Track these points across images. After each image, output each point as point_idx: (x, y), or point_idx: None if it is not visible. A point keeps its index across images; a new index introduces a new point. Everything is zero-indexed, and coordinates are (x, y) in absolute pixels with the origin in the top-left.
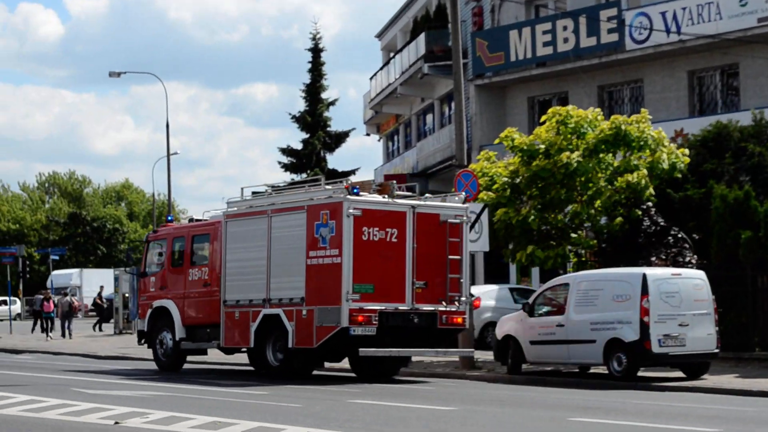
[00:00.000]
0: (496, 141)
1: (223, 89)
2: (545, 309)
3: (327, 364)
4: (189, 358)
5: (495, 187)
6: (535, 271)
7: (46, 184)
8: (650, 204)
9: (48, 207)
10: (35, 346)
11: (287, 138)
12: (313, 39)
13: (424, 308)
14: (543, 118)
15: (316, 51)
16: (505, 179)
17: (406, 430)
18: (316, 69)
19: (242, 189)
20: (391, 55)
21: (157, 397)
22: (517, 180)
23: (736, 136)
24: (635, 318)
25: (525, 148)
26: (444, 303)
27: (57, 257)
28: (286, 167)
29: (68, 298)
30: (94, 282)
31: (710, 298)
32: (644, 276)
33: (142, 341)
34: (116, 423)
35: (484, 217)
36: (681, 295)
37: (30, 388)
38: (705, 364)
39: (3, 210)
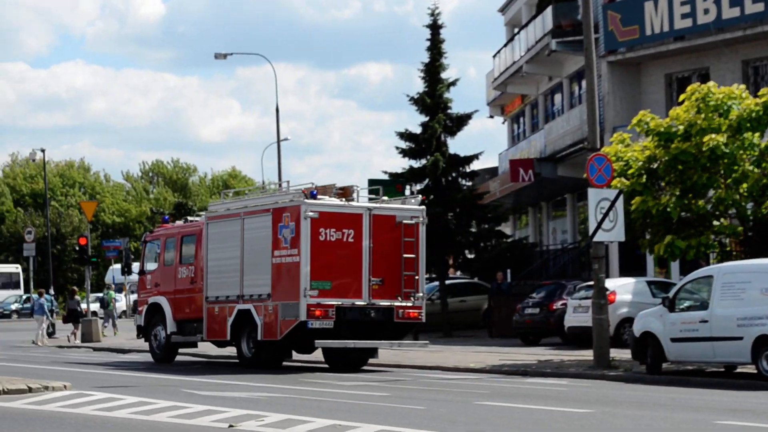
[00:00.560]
0: (630, 125)
1: (335, 70)
2: (687, 303)
3: (305, 357)
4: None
5: (630, 172)
6: (675, 263)
7: (150, 173)
8: None
9: (152, 197)
10: (141, 345)
11: (403, 121)
12: (432, 14)
13: (381, 303)
14: (682, 97)
15: (435, 27)
16: (641, 164)
17: None
18: (436, 47)
19: (222, 193)
20: (516, 30)
21: (272, 398)
22: (654, 165)
23: None
24: None
25: (662, 130)
26: (400, 298)
27: None
28: (405, 152)
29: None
30: None
31: None
32: None
33: (140, 335)
34: (230, 426)
35: (619, 205)
36: None
37: (139, 389)
38: None
39: (106, 202)
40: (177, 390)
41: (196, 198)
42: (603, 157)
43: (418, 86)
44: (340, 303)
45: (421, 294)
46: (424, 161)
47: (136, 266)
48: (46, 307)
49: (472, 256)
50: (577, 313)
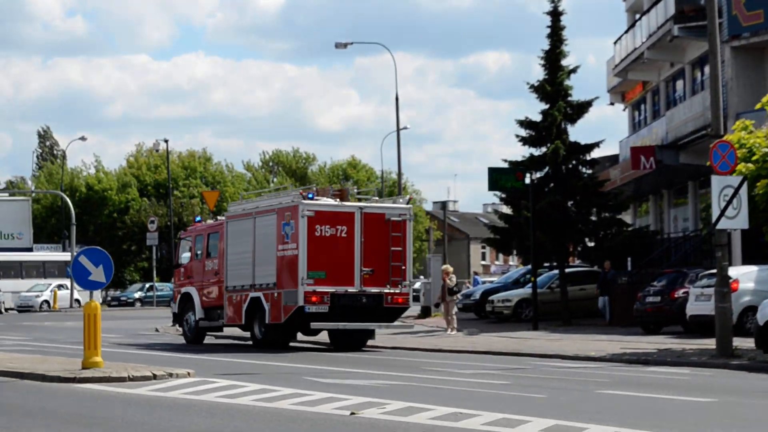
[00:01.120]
0: (757, 106)
1: (452, 58)
2: None
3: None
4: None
5: (754, 158)
6: None
7: (270, 163)
8: None
9: (273, 187)
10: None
11: (522, 109)
12: (552, 1)
13: (371, 290)
14: None
15: (555, 14)
16: (765, 150)
17: (662, 424)
18: (556, 34)
19: (242, 194)
20: (637, 16)
21: (392, 386)
22: None
23: None
24: None
25: None
26: (389, 286)
27: None
28: (524, 140)
29: None
30: None
31: None
32: None
33: (175, 322)
34: (352, 413)
35: (743, 191)
36: None
37: (261, 377)
38: None
39: (229, 191)
40: (298, 378)
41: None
42: (726, 144)
43: (537, 74)
44: (334, 290)
45: (407, 282)
46: (544, 149)
47: None
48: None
49: (593, 244)
50: (699, 301)
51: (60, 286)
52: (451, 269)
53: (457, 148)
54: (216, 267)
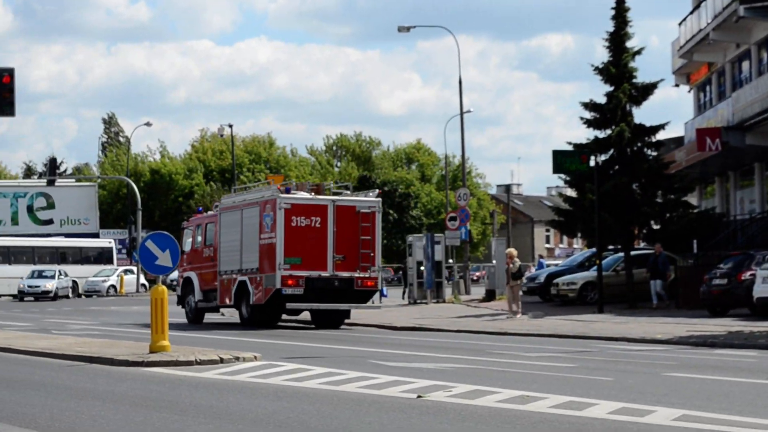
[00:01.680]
0: None
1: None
2: None
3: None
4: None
5: None
6: None
7: (334, 147)
8: None
9: (337, 171)
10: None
11: (584, 92)
12: None
13: (343, 275)
14: None
15: None
16: None
17: (730, 407)
18: (621, 15)
19: (233, 188)
20: None
21: (458, 369)
22: None
23: None
24: None
25: None
26: (359, 271)
27: None
28: (589, 123)
29: None
30: None
31: None
32: None
33: (179, 303)
34: (419, 396)
35: None
36: None
37: (327, 360)
38: None
39: (292, 176)
40: (364, 361)
41: (380, 171)
42: None
43: (600, 56)
44: (308, 274)
45: (376, 267)
46: (608, 131)
47: None
48: None
49: (658, 227)
50: (766, 283)
51: (126, 271)
52: (515, 253)
53: (519, 131)
54: (212, 253)
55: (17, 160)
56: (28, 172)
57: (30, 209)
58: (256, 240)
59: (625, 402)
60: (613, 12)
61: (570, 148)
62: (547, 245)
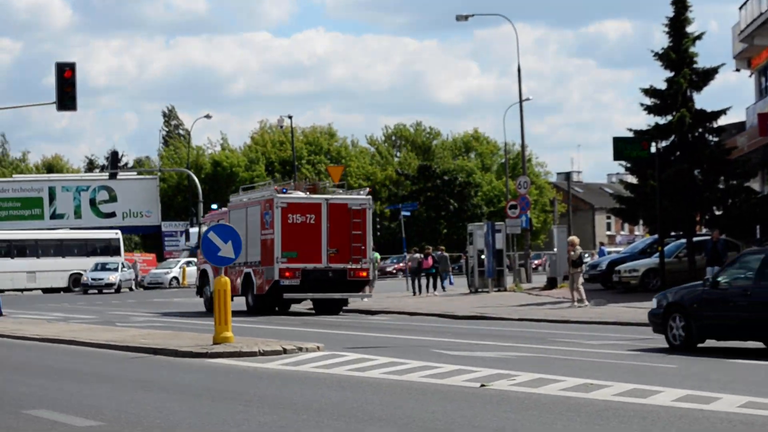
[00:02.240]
0: None
1: (573, 28)
2: None
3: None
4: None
5: None
6: None
7: (393, 137)
8: None
9: (397, 161)
10: (388, 305)
11: (644, 78)
12: None
13: (336, 266)
14: None
15: None
16: None
17: None
18: (681, 1)
19: (240, 188)
20: None
21: (522, 358)
22: None
23: None
24: None
25: None
26: (351, 263)
27: (408, 213)
28: (649, 109)
29: (418, 255)
30: None
31: None
32: None
33: (198, 294)
34: (482, 385)
35: None
36: None
37: (389, 350)
38: None
39: (353, 166)
40: (426, 350)
41: (440, 160)
42: None
43: (659, 42)
44: (304, 267)
45: (367, 260)
46: (669, 117)
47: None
48: None
49: (720, 213)
50: None
51: (189, 263)
52: (577, 240)
53: (578, 118)
54: None
55: (79, 154)
56: (90, 166)
57: (93, 203)
58: (258, 236)
59: (690, 389)
60: None
61: (630, 134)
62: (608, 232)
